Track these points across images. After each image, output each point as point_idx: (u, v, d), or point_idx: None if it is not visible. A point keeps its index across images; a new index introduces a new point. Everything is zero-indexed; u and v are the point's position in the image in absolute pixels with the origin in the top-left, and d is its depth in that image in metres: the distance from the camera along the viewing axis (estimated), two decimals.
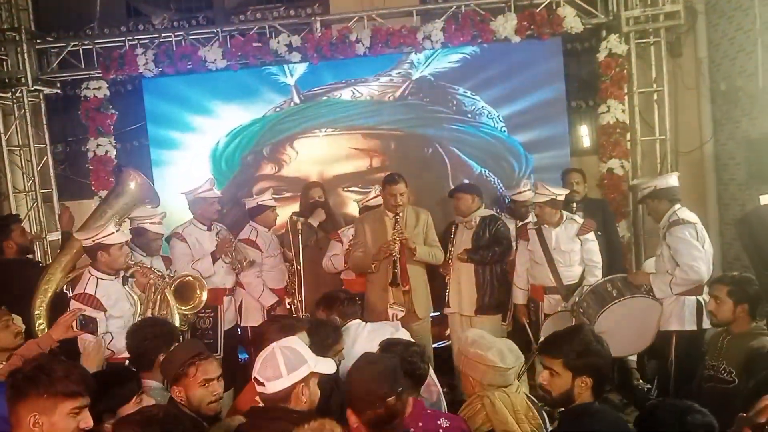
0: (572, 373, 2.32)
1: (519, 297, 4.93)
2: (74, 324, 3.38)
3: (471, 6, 6.13)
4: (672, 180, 4.18)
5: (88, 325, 3.50)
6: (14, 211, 6.40)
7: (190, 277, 4.38)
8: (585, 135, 6.89)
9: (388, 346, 2.83)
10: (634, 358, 4.89)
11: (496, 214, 5.31)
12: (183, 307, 4.27)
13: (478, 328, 4.65)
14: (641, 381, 4.85)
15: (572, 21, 5.97)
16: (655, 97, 6.26)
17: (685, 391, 3.50)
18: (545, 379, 2.38)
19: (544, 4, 6.08)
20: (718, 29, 6.44)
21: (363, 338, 3.27)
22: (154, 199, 4.80)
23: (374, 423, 2.22)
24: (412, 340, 3.19)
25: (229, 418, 2.55)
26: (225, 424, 2.55)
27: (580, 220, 4.73)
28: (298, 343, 2.46)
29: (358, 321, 3.51)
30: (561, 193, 4.68)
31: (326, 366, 2.45)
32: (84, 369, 2.24)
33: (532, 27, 6.01)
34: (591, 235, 4.67)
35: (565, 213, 4.74)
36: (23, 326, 3.50)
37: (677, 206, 4.09)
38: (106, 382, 2.54)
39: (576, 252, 4.64)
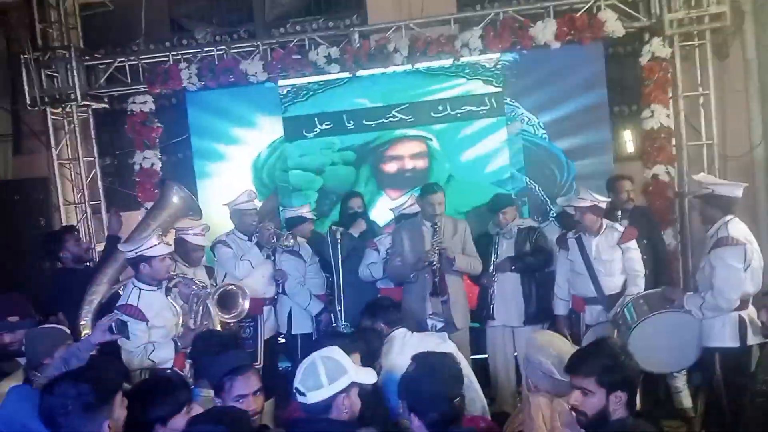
0: (606, 390, 2.25)
1: (560, 308, 4.83)
2: (113, 327, 3.44)
3: (509, 12, 6.08)
4: (734, 190, 3.93)
5: (123, 330, 3.57)
6: (65, 223, 6.63)
7: (232, 286, 4.46)
8: (628, 140, 6.74)
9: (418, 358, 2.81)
10: (681, 377, 4.72)
11: (534, 223, 5.24)
12: (226, 316, 4.36)
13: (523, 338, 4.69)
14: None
15: (613, 25, 5.84)
16: (701, 100, 6.07)
17: (735, 407, 3.36)
18: (577, 400, 2.30)
19: (584, 9, 5.97)
20: (767, 29, 6.23)
21: (411, 347, 3.22)
22: (196, 211, 4.92)
23: (439, 424, 2.21)
24: (456, 353, 3.16)
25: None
26: None
27: (621, 228, 4.60)
28: (338, 352, 2.47)
29: (404, 330, 3.50)
30: (603, 200, 4.57)
31: (367, 376, 2.46)
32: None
33: (572, 32, 5.91)
34: (633, 244, 4.52)
35: (605, 221, 4.62)
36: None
37: (729, 217, 3.87)
38: (155, 391, 2.57)
39: (617, 261, 4.51)
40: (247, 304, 4.42)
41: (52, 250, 5.00)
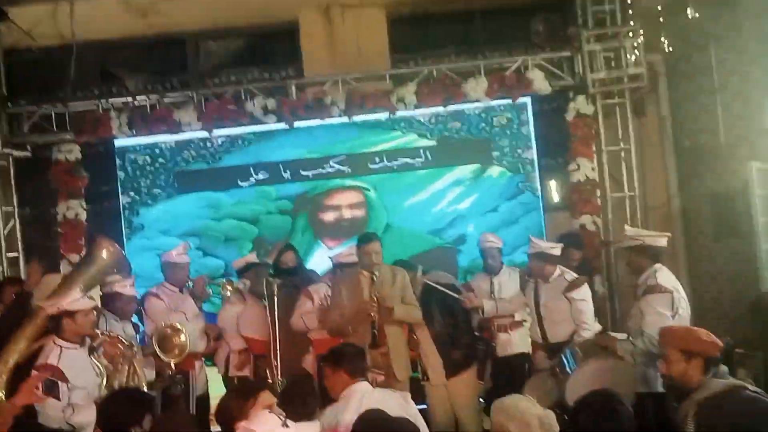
0: None
1: (524, 346, 5.02)
2: (40, 387, 3.21)
3: (443, 69, 6.30)
4: (661, 241, 4.13)
5: (52, 389, 3.34)
6: None
7: (166, 328, 4.31)
8: (553, 192, 7.01)
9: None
10: None
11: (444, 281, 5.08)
12: (169, 358, 4.26)
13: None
14: None
15: (541, 83, 6.16)
16: (623, 154, 6.44)
17: None
18: None
19: (513, 67, 6.27)
20: (680, 89, 6.73)
21: (371, 405, 2.94)
22: (126, 269, 4.70)
23: None
24: (417, 416, 3.08)
25: None
26: None
27: (570, 277, 4.66)
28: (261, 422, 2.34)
29: (365, 385, 3.31)
30: (552, 246, 4.69)
31: None
32: None
33: (502, 89, 6.18)
34: (582, 294, 4.57)
35: (560, 269, 4.70)
36: None
37: (657, 266, 4.03)
38: None
39: (563, 310, 4.56)
40: (183, 338, 4.29)
41: None
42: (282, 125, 6.37)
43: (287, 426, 2.39)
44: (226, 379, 5.14)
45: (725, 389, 2.70)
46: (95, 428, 3.31)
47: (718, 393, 2.68)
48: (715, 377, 2.80)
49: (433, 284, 4.74)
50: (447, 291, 4.75)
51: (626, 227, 4.71)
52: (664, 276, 3.98)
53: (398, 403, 3.20)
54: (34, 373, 3.44)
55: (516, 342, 5.16)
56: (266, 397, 2.65)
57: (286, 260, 5.20)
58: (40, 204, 6.91)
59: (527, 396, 3.92)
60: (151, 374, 4.24)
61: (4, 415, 3.03)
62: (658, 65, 6.70)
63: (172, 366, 4.28)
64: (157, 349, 4.10)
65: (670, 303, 3.86)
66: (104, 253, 4.41)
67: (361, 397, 3.19)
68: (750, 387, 2.73)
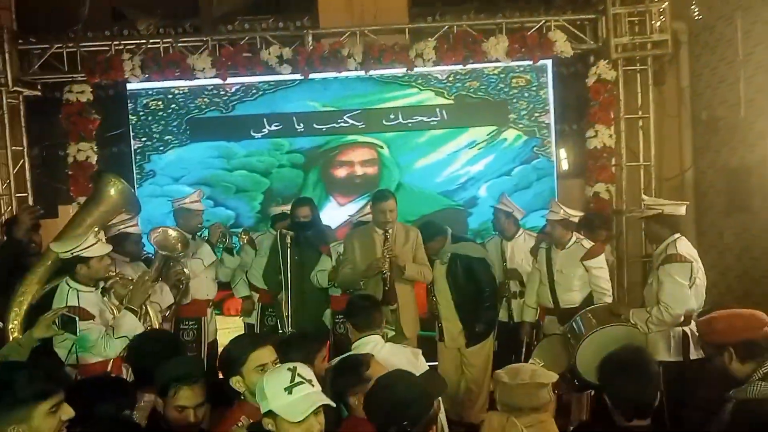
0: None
1: (528, 315, 4.94)
2: (56, 322, 3.28)
3: (463, 26, 6.17)
4: (680, 209, 4.07)
5: (68, 326, 3.38)
6: None
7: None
8: (570, 159, 6.96)
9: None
10: None
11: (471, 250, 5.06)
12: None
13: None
14: None
15: (563, 45, 6.05)
16: (641, 123, 6.36)
17: (677, 420, 3.48)
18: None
19: (535, 27, 6.14)
20: (701, 59, 6.60)
21: (380, 359, 3.00)
22: (135, 206, 4.64)
23: None
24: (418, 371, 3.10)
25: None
26: None
27: (588, 245, 4.65)
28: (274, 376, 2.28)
29: (377, 338, 3.30)
30: (575, 214, 4.65)
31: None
32: (51, 365, 2.14)
33: (523, 49, 6.07)
34: (599, 262, 4.59)
35: (576, 236, 4.69)
36: None
37: (677, 236, 3.99)
38: (95, 395, 2.45)
39: (578, 277, 4.58)
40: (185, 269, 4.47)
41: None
42: (297, 76, 6.27)
43: None
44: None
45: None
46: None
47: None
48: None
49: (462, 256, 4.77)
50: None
51: (644, 196, 4.67)
52: (684, 245, 3.96)
53: (408, 359, 3.22)
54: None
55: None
56: (263, 353, 2.62)
57: (300, 214, 5.18)
58: (50, 145, 6.86)
59: (536, 360, 3.99)
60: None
61: (22, 347, 3.11)
62: (681, 34, 6.56)
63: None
64: (152, 308, 4.04)
65: (689, 272, 3.85)
66: (112, 191, 4.36)
67: (372, 349, 3.19)
68: None
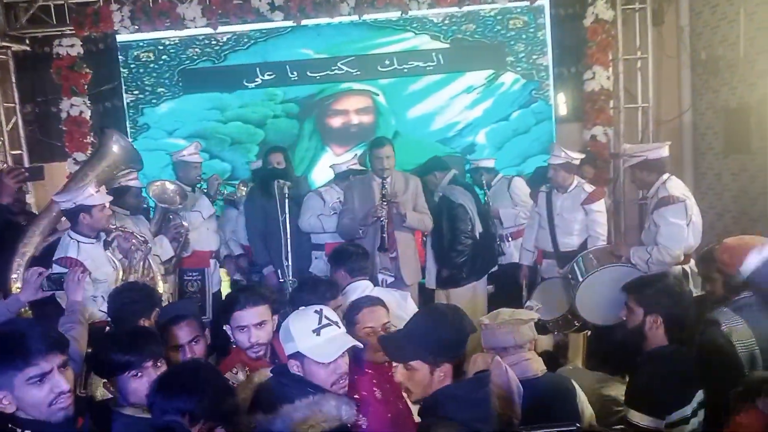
0: (644, 310, 2.55)
1: (525, 258, 4.98)
2: (43, 283, 3.14)
3: None
4: (663, 151, 4.03)
5: (57, 284, 3.22)
6: None
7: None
8: (567, 102, 6.88)
9: None
10: None
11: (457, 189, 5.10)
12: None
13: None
14: None
15: None
16: (639, 64, 6.28)
17: None
18: (624, 314, 2.68)
19: None
20: None
21: None
22: (137, 162, 4.65)
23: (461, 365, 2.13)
24: (407, 313, 3.14)
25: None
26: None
27: (589, 189, 4.64)
28: (301, 316, 2.27)
29: (366, 282, 3.39)
30: (577, 157, 4.63)
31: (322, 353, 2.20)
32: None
33: None
34: (598, 206, 4.58)
35: (578, 180, 4.67)
36: None
37: (665, 176, 3.98)
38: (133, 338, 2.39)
39: (578, 221, 4.58)
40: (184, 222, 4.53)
41: None
42: (289, 23, 6.14)
43: None
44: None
45: None
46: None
47: None
48: None
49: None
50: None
51: (624, 145, 4.63)
52: (674, 185, 3.96)
53: (396, 302, 3.29)
54: (55, 270, 3.46)
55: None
56: (245, 314, 2.55)
57: (273, 161, 5.12)
58: (42, 102, 6.78)
59: (534, 303, 4.03)
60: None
61: (9, 312, 3.00)
62: None
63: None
64: (154, 261, 4.07)
65: (683, 211, 3.86)
66: (115, 147, 4.37)
67: (361, 293, 3.25)
68: None
